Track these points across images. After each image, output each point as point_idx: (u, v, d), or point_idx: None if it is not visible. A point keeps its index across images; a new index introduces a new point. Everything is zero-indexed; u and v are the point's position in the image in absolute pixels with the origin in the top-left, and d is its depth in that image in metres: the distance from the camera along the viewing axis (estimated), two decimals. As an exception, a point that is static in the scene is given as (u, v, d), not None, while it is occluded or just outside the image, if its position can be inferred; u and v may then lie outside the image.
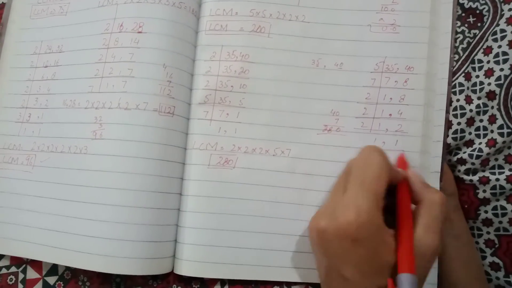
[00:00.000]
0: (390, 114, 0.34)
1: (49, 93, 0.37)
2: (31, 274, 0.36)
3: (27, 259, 0.36)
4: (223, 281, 0.35)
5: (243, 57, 0.35)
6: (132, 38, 0.35)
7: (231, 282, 0.35)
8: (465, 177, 0.36)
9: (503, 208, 0.34)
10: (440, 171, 0.33)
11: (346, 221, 0.26)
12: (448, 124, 0.33)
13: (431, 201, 0.28)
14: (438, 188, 0.33)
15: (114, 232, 0.32)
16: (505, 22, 0.34)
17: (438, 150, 0.33)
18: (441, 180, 0.33)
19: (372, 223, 0.26)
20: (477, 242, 0.35)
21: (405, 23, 0.35)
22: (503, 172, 0.34)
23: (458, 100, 0.35)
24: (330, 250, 0.27)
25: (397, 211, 0.29)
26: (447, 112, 0.34)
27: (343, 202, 0.27)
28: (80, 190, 0.34)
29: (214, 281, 0.35)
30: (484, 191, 0.35)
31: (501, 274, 0.35)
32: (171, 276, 0.35)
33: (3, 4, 0.42)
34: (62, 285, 0.36)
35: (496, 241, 0.35)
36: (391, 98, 0.34)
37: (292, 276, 0.34)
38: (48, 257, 0.34)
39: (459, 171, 0.36)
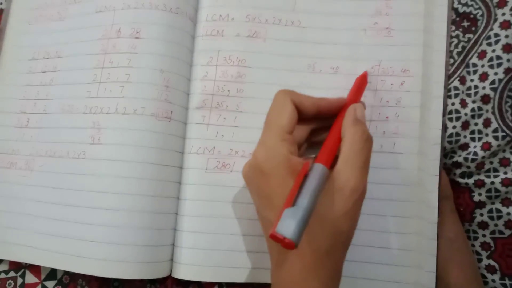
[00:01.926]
0: (387, 117, 0.34)
1: (47, 98, 0.38)
2: (30, 278, 0.36)
3: (26, 263, 0.37)
4: (221, 285, 0.35)
5: (240, 62, 0.36)
6: (129, 44, 0.35)
7: (229, 285, 0.35)
8: (461, 180, 0.36)
9: (498, 211, 0.34)
10: (438, 174, 0.33)
11: (255, 157, 0.28)
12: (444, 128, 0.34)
13: (352, 137, 0.27)
14: (437, 194, 0.33)
15: (112, 236, 0.33)
16: (498, 27, 0.35)
17: (435, 153, 0.34)
18: (439, 184, 0.33)
19: (276, 155, 0.27)
20: (473, 245, 0.36)
21: (400, 26, 0.35)
22: (498, 175, 0.34)
23: (453, 104, 0.36)
24: (250, 187, 0.29)
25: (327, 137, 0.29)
26: (444, 115, 0.34)
27: (257, 143, 0.29)
28: (78, 194, 0.34)
29: (212, 284, 0.35)
30: (480, 194, 0.35)
31: (497, 277, 0.35)
32: (169, 280, 0.36)
33: (1, 10, 0.42)
34: (61, 289, 0.36)
35: (492, 244, 0.35)
36: (387, 101, 0.34)
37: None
38: (46, 261, 0.35)
39: (454, 174, 0.36)
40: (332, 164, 0.27)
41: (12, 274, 0.37)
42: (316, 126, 0.31)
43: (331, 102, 0.30)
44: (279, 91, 0.30)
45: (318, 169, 0.25)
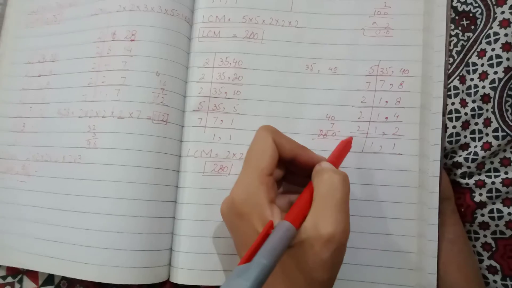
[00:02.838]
0: (387, 117, 0.34)
1: (43, 102, 0.37)
2: (28, 284, 0.36)
3: (23, 269, 0.36)
4: (218, 288, 0.35)
5: (237, 63, 0.35)
6: (125, 46, 0.35)
7: None
8: (461, 180, 0.35)
9: (499, 211, 0.34)
10: (439, 175, 0.33)
11: (232, 198, 0.27)
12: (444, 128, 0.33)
13: (322, 184, 0.26)
14: (438, 195, 0.33)
15: (110, 241, 0.32)
16: (498, 25, 0.34)
17: (436, 153, 0.33)
18: (440, 184, 0.33)
19: (252, 200, 0.26)
20: (474, 246, 0.35)
21: (399, 26, 0.35)
22: (499, 175, 0.34)
23: (453, 104, 0.35)
24: (227, 225, 0.28)
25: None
26: (444, 115, 0.33)
27: (236, 181, 0.28)
28: (74, 199, 0.34)
29: (210, 288, 0.35)
30: (480, 194, 0.35)
31: (498, 277, 0.34)
32: (167, 285, 0.35)
33: (-3, 13, 0.42)
34: (59, 294, 0.36)
35: (493, 245, 0.35)
36: (386, 101, 0.34)
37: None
38: (43, 267, 0.34)
39: (455, 174, 0.36)
40: None
41: (9, 279, 0.36)
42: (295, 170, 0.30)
43: (310, 157, 0.29)
44: (261, 128, 0.29)
45: (283, 226, 0.24)
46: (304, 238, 0.24)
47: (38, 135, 0.37)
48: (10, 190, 0.37)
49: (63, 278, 0.36)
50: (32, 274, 0.36)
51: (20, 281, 0.36)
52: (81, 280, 0.35)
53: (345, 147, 0.31)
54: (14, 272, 0.36)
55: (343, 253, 0.26)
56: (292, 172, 0.30)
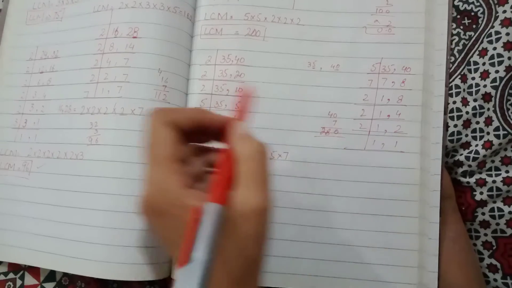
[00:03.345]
0: (389, 115, 0.34)
1: (45, 99, 0.37)
2: (29, 280, 0.36)
3: (25, 265, 0.36)
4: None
5: (239, 61, 0.35)
6: (127, 43, 0.35)
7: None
8: (462, 179, 0.35)
9: (500, 210, 0.34)
10: (440, 173, 0.33)
11: (146, 201, 0.24)
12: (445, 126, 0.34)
13: (241, 154, 0.24)
14: (439, 193, 0.33)
15: (111, 237, 0.32)
16: (499, 24, 0.34)
17: (437, 152, 0.33)
18: (441, 183, 0.33)
19: (167, 192, 0.24)
20: (474, 244, 0.35)
21: (400, 24, 0.35)
22: (500, 174, 0.34)
23: (454, 102, 0.35)
24: (152, 227, 0.26)
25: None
26: (445, 113, 0.33)
27: (144, 182, 0.25)
28: (76, 196, 0.34)
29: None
30: (481, 193, 0.35)
31: (498, 276, 0.35)
32: (168, 282, 0.35)
33: (-1, 10, 0.42)
34: (60, 291, 0.36)
35: (494, 243, 0.35)
36: (388, 99, 0.34)
37: (288, 282, 0.33)
38: (44, 263, 0.34)
39: (456, 173, 0.36)
40: None
41: (11, 276, 0.36)
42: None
43: (214, 119, 0.27)
44: (148, 118, 0.26)
45: (211, 210, 0.22)
46: (233, 215, 0.23)
47: (39, 132, 0.37)
48: (12, 187, 0.37)
49: (65, 274, 0.36)
50: (34, 271, 0.36)
51: (22, 277, 0.36)
52: (82, 277, 0.35)
53: (247, 98, 0.28)
54: (15, 268, 0.36)
55: (267, 230, 0.24)
56: (203, 139, 0.28)
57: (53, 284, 0.36)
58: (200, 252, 0.21)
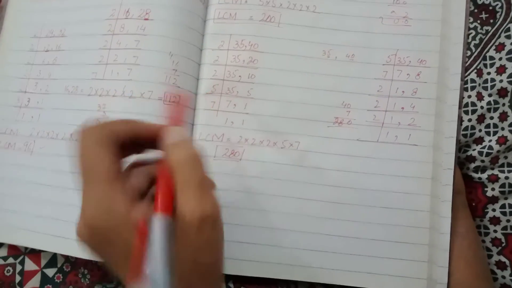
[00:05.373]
0: (403, 108, 0.33)
1: (50, 78, 0.36)
2: (29, 265, 0.35)
3: (25, 250, 0.35)
4: (228, 277, 0.34)
5: (252, 47, 0.35)
6: (138, 25, 0.34)
7: (236, 278, 0.34)
8: (474, 174, 0.35)
9: (511, 206, 0.34)
10: (453, 168, 0.32)
11: (87, 225, 0.22)
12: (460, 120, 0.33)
13: (175, 162, 0.23)
14: (451, 188, 0.32)
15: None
16: (519, 19, 0.34)
17: (451, 146, 0.33)
18: (454, 178, 0.32)
19: (109, 212, 0.22)
20: (483, 241, 0.35)
21: (417, 16, 0.35)
22: (513, 170, 0.34)
23: (469, 97, 0.35)
24: (95, 251, 0.24)
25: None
26: (460, 107, 0.33)
27: (82, 205, 0.23)
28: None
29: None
30: (493, 189, 0.34)
31: (507, 273, 0.34)
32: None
33: (2, -15, 0.40)
34: (61, 277, 0.35)
35: (503, 240, 0.34)
36: (403, 91, 0.34)
37: (299, 275, 0.33)
38: (47, 245, 0.33)
39: (467, 168, 0.36)
40: None
41: (11, 260, 0.35)
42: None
43: (148, 128, 0.25)
44: (78, 135, 0.24)
45: (158, 222, 0.21)
46: (180, 226, 0.22)
47: (43, 112, 0.36)
48: (12, 167, 0.35)
49: (66, 260, 0.35)
50: (35, 256, 0.35)
51: (22, 263, 0.35)
52: (85, 263, 0.35)
53: (181, 105, 0.28)
54: (15, 253, 0.35)
55: (222, 229, 0.23)
56: (139, 149, 0.27)
57: (54, 270, 0.35)
58: (155, 273, 0.20)
